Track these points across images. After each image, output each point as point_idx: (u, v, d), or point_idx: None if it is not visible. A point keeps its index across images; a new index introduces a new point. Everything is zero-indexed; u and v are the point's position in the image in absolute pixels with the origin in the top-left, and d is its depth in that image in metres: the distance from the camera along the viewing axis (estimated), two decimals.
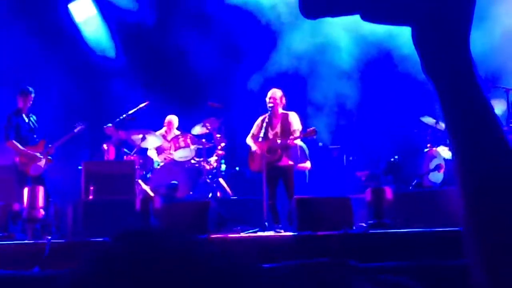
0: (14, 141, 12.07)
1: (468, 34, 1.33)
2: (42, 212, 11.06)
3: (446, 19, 1.31)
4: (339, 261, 7.07)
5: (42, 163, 12.19)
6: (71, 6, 15.61)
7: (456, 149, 1.36)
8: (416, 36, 1.38)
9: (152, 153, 14.14)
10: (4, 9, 15.12)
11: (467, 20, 1.32)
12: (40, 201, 11.09)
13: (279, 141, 11.78)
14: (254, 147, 12.07)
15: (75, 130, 12.77)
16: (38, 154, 12.15)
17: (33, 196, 11.07)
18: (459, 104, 1.33)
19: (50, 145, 12.35)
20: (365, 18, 1.35)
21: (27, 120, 12.33)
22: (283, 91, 12.19)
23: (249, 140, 12.24)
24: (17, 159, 12.07)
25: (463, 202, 1.40)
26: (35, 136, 12.38)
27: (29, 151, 12.09)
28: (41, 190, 11.21)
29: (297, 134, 11.79)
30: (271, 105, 11.94)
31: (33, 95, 12.38)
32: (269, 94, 12.06)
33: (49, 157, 12.34)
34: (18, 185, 11.91)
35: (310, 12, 1.34)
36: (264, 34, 15.24)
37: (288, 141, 11.74)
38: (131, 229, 1.18)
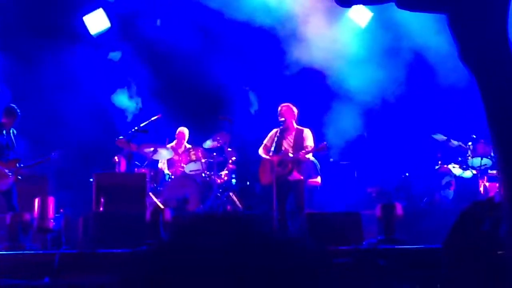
0: None
1: (505, 18, 1.32)
2: (52, 222, 11.08)
3: (482, 4, 1.31)
4: None
5: (9, 180, 12.07)
6: (86, 19, 15.67)
7: (498, 137, 1.36)
8: (452, 22, 1.37)
9: (163, 166, 14.18)
10: (18, 20, 15.20)
11: (504, 4, 1.31)
12: (51, 212, 11.11)
13: (291, 155, 11.79)
14: (266, 157, 12.08)
15: (48, 157, 12.62)
16: (6, 171, 12.07)
17: (44, 206, 11.09)
18: (497, 89, 1.33)
19: (21, 165, 12.25)
20: (400, 5, 1.34)
21: (5, 137, 12.26)
22: (296, 106, 12.24)
23: (261, 151, 12.26)
24: None
25: (505, 186, 1.41)
26: (9, 153, 12.27)
27: None
28: (52, 201, 11.22)
29: (309, 149, 11.82)
30: (282, 119, 11.96)
31: (17, 116, 12.35)
32: (280, 109, 12.09)
33: (18, 177, 12.22)
34: None
35: (344, 0, 1.34)
36: (273, 48, 15.23)
37: (300, 155, 11.76)
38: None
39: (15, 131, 12.46)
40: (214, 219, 1.21)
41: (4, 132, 12.25)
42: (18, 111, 12.42)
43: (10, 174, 12.02)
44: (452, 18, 1.35)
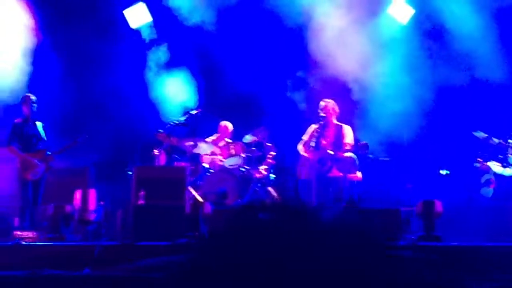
0: (13, 147, 12.15)
1: None
2: (94, 214, 11.20)
3: None
4: None
5: (40, 169, 12.14)
6: (126, 12, 15.75)
7: None
8: None
9: (202, 159, 14.22)
10: (61, 13, 15.34)
11: None
12: (92, 204, 11.22)
13: (331, 152, 11.77)
14: (304, 154, 12.07)
15: (75, 141, 12.65)
16: (36, 161, 12.14)
17: (85, 198, 11.21)
18: None
19: (49, 153, 12.31)
20: None
21: (31, 127, 12.36)
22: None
23: (300, 147, 12.25)
24: (18, 164, 12.12)
25: None
26: (38, 143, 12.37)
27: (27, 157, 12.11)
28: (93, 193, 11.34)
29: (348, 147, 11.79)
30: (323, 115, 11.94)
31: (34, 103, 12.45)
32: (322, 104, 12.07)
33: (49, 165, 12.28)
34: (21, 188, 12.03)
35: None
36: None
37: (339, 153, 11.75)
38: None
39: (41, 124, 12.52)
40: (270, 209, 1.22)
41: (30, 123, 12.37)
42: (32, 97, 12.51)
43: (39, 163, 12.11)
44: None
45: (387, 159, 14.55)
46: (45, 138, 12.37)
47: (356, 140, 12.38)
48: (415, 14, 15.02)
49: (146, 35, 16.02)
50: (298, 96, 15.23)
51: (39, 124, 12.41)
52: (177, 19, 15.56)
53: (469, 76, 14.56)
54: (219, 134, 14.55)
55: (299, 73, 14.84)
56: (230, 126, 14.60)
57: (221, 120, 14.68)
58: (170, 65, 15.95)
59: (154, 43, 16.05)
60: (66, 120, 14.54)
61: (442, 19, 14.54)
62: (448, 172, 14.02)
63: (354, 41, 14.60)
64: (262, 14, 15.09)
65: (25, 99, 12.44)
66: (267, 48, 15.56)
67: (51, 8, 15.28)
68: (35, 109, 12.40)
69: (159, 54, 16.00)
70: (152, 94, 15.81)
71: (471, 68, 14.44)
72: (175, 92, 15.76)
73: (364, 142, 11.83)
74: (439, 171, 14.01)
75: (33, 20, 15.05)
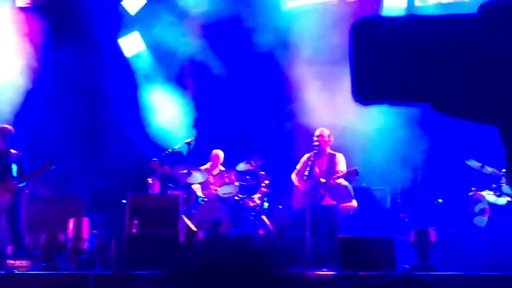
0: None
1: None
2: (87, 243, 11.17)
3: None
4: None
5: (5, 199, 12.03)
6: (121, 41, 15.85)
7: None
8: (504, 134, 1.38)
9: (196, 188, 14.22)
10: (53, 40, 15.42)
11: None
12: (86, 233, 11.20)
13: (323, 180, 11.79)
14: (298, 184, 12.10)
15: (44, 167, 12.49)
16: (2, 190, 12.03)
17: (78, 227, 11.19)
18: None
19: (14, 182, 12.19)
20: (437, 109, 1.30)
21: (2, 158, 12.22)
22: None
23: (293, 177, 12.27)
24: None
25: None
26: (6, 173, 12.23)
27: None
28: (86, 222, 11.31)
29: (339, 174, 11.81)
30: (317, 143, 11.97)
31: (9, 134, 12.32)
32: (317, 132, 12.11)
33: (14, 194, 12.14)
34: None
35: (364, 96, 1.26)
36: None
37: (331, 181, 11.77)
38: None
39: (19, 154, 12.36)
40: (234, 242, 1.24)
41: (2, 153, 12.24)
42: (9, 128, 12.42)
43: (3, 194, 11.97)
44: (503, 130, 1.37)
45: (381, 187, 14.57)
46: (17, 168, 12.22)
47: (349, 167, 12.39)
48: None
49: (140, 63, 16.08)
50: (289, 126, 15.26)
51: (14, 154, 12.27)
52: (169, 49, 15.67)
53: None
54: (211, 163, 14.57)
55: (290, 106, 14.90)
56: (221, 154, 14.64)
57: (215, 149, 14.71)
58: (164, 93, 15.99)
59: (147, 71, 16.10)
60: (56, 148, 14.51)
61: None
62: (441, 201, 14.04)
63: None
64: (255, 49, 15.21)
65: (1, 130, 12.33)
66: (262, 78, 15.64)
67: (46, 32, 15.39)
68: (10, 139, 12.29)
69: (154, 82, 16.05)
70: (147, 122, 15.84)
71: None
72: (169, 120, 15.79)
73: (354, 168, 11.82)
74: (435, 200, 14.02)
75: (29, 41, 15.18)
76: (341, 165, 12.00)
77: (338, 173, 11.87)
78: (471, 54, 1.25)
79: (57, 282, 9.22)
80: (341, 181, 12.15)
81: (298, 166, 12.29)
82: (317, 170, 12.02)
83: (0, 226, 12.19)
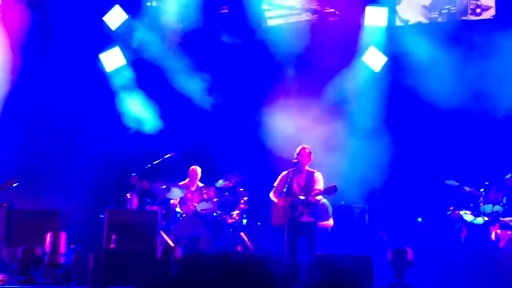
0: None
1: None
2: (63, 257, 11.09)
3: None
4: None
5: None
6: (102, 56, 15.83)
7: None
8: None
9: (174, 204, 14.19)
10: (36, 56, 15.37)
11: None
12: (62, 247, 11.12)
13: (301, 198, 11.79)
14: (276, 201, 12.08)
15: (5, 185, 12.50)
16: None
17: (55, 241, 11.11)
18: None
19: None
20: None
21: None
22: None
23: (271, 195, 12.25)
24: None
25: None
26: None
27: None
28: (63, 236, 11.24)
29: (317, 192, 11.80)
30: (296, 160, 11.97)
31: None
32: (298, 149, 12.10)
33: None
34: None
35: None
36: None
37: (310, 197, 11.76)
38: None
39: None
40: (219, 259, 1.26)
41: None
42: None
43: None
44: None
45: (360, 205, 14.60)
46: None
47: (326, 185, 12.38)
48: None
49: (121, 78, 16.05)
50: (269, 143, 15.25)
51: None
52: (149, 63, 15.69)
53: (440, 126, 14.69)
54: (189, 179, 14.55)
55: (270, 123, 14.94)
56: (199, 170, 14.63)
57: (193, 165, 14.69)
58: (144, 108, 15.96)
59: (127, 86, 16.05)
60: (35, 161, 14.46)
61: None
62: (421, 220, 14.09)
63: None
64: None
65: None
66: (242, 94, 15.67)
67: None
68: None
69: (133, 96, 16.01)
70: (126, 136, 15.79)
71: (443, 118, 14.53)
72: (148, 135, 15.75)
73: (333, 184, 11.80)
74: (415, 219, 14.07)
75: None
76: (319, 184, 11.98)
77: (315, 190, 11.86)
78: None
79: None
80: (320, 198, 12.16)
81: (276, 184, 12.28)
82: (295, 187, 12.01)
83: None
